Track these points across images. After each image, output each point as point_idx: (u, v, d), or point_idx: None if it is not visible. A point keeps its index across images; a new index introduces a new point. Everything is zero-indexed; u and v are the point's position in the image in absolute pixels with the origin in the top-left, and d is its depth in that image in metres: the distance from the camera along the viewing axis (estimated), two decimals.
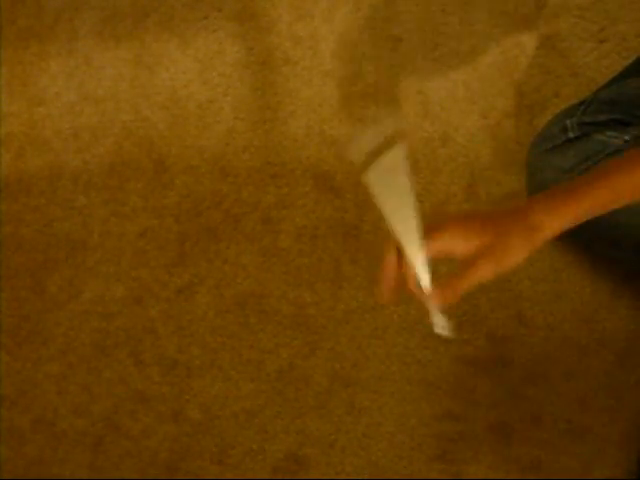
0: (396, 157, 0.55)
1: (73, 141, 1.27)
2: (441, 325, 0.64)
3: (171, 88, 1.24)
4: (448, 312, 0.65)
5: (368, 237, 1.15)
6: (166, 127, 1.23)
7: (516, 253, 0.66)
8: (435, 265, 0.64)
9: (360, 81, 1.16)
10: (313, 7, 1.17)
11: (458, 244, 0.65)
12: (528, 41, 1.09)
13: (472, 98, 1.11)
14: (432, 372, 1.13)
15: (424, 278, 0.63)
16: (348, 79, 1.16)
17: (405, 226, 0.58)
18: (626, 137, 0.92)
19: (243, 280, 1.20)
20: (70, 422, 1.27)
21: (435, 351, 1.13)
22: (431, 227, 0.65)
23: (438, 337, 0.65)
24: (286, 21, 1.19)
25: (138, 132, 1.25)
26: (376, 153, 0.56)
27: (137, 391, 1.24)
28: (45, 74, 1.29)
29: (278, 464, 1.19)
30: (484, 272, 0.65)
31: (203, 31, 1.22)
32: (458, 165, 1.12)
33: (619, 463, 1.07)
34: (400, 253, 0.63)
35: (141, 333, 1.24)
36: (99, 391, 1.25)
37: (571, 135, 0.95)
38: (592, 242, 1.02)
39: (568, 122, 0.96)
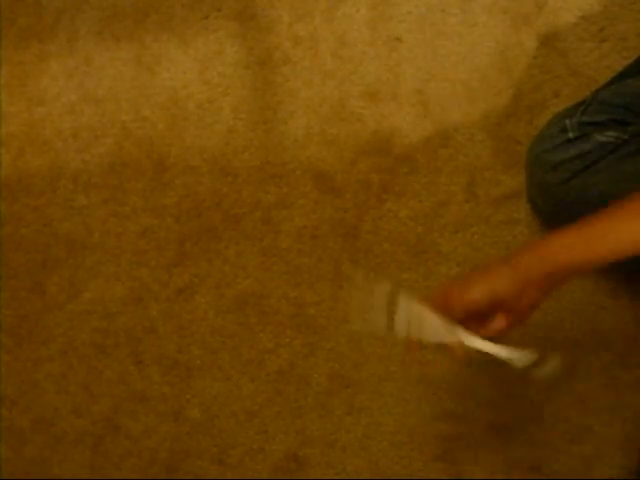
0: (410, 306, 0.61)
1: (73, 141, 1.27)
2: (520, 358, 0.73)
3: (171, 88, 1.24)
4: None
5: (368, 237, 1.15)
6: (166, 127, 1.23)
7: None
8: None
9: (360, 81, 1.16)
10: (313, 7, 1.17)
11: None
12: (528, 41, 1.09)
13: (472, 98, 1.11)
14: (432, 372, 1.13)
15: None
16: (348, 79, 1.16)
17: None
18: (626, 137, 0.92)
19: (243, 280, 1.20)
20: (70, 422, 1.27)
21: (435, 351, 1.13)
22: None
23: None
24: (286, 21, 1.19)
25: (138, 132, 1.25)
26: (386, 311, 0.61)
27: (137, 391, 1.24)
28: (45, 74, 1.29)
29: (278, 464, 1.19)
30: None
31: (203, 31, 1.22)
32: (458, 165, 1.12)
33: (619, 463, 1.07)
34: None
35: (141, 333, 1.24)
36: (99, 391, 1.25)
37: (571, 135, 0.95)
38: None
39: (568, 122, 0.96)
